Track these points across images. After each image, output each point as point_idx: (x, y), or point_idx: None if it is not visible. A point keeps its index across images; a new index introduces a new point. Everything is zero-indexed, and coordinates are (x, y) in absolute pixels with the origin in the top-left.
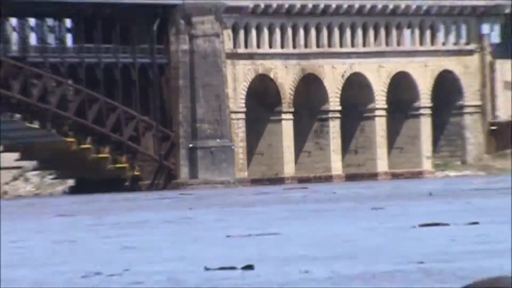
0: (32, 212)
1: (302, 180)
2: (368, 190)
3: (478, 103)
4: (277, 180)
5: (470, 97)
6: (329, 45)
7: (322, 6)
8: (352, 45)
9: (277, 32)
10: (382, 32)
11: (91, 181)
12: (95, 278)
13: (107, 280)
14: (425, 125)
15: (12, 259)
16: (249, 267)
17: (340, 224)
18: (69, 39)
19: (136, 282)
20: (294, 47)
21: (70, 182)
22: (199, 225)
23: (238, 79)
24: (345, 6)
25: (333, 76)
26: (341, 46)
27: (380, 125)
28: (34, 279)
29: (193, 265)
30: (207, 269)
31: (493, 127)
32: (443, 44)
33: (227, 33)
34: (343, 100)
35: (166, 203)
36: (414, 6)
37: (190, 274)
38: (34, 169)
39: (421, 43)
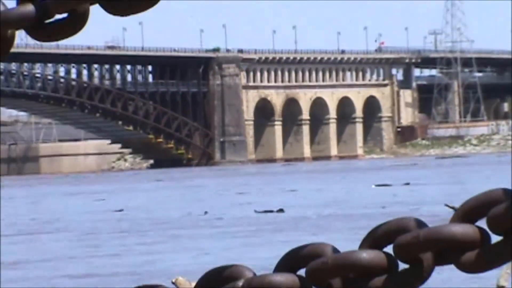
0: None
1: (287, 160)
2: (328, 166)
3: (390, 114)
4: (272, 160)
5: (385, 111)
6: (303, 81)
7: (298, 58)
8: (316, 80)
9: (272, 73)
10: (334, 73)
11: (163, 160)
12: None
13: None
14: (359, 128)
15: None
16: (281, 210)
17: (324, 184)
18: (150, 77)
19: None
20: (282, 82)
21: (151, 161)
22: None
23: (249, 101)
24: (312, 58)
25: (305, 99)
26: (310, 81)
27: (332, 128)
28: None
29: (246, 210)
30: (255, 211)
31: (399, 129)
32: (369, 80)
33: (243, 74)
34: (311, 113)
35: (215, 173)
36: (352, 58)
37: (243, 215)
38: (130, 154)
39: (357, 79)
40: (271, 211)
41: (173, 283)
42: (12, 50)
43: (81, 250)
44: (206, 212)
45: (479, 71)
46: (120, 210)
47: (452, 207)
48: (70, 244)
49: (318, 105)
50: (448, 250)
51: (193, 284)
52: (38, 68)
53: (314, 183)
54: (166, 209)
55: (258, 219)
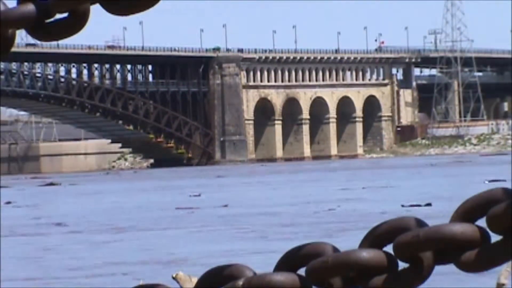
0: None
1: (287, 160)
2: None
3: (390, 114)
4: (272, 160)
5: (385, 111)
6: (303, 80)
7: (298, 57)
8: (316, 80)
9: (272, 73)
10: (334, 72)
11: (163, 160)
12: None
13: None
14: (359, 127)
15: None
16: (429, 204)
17: (429, 178)
18: (150, 76)
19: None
20: (282, 81)
21: (151, 160)
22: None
23: (249, 100)
24: (312, 57)
25: (305, 98)
26: (310, 81)
27: (332, 127)
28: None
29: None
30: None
31: (398, 128)
32: (369, 79)
33: (243, 73)
34: (311, 112)
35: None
36: (352, 57)
37: (390, 209)
38: (130, 153)
39: (357, 79)
40: (419, 205)
41: (173, 278)
42: (13, 49)
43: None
44: (338, 206)
45: (479, 71)
46: (225, 206)
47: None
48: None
49: (318, 105)
50: (448, 249)
51: (194, 279)
52: (38, 68)
53: (415, 178)
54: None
55: (411, 214)
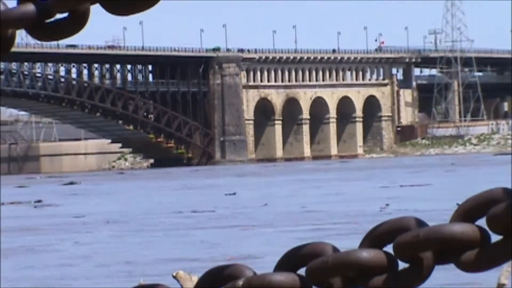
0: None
1: (287, 160)
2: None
3: (390, 114)
4: (272, 160)
5: (385, 110)
6: (303, 80)
7: (298, 57)
8: (316, 80)
9: (272, 73)
10: (334, 72)
11: (163, 160)
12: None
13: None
14: (359, 127)
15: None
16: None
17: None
18: (150, 76)
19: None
20: (282, 81)
21: (151, 160)
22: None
23: (249, 100)
24: (312, 57)
25: (305, 98)
26: (310, 81)
27: (332, 127)
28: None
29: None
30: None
31: (398, 128)
32: (369, 79)
33: (243, 73)
34: (311, 112)
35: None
36: (352, 57)
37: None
38: (130, 153)
39: (357, 79)
40: None
41: (174, 277)
42: (13, 49)
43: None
44: (387, 205)
45: (479, 71)
46: (265, 205)
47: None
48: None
49: (318, 105)
50: (448, 249)
51: (194, 278)
52: (38, 68)
53: (445, 176)
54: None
55: None
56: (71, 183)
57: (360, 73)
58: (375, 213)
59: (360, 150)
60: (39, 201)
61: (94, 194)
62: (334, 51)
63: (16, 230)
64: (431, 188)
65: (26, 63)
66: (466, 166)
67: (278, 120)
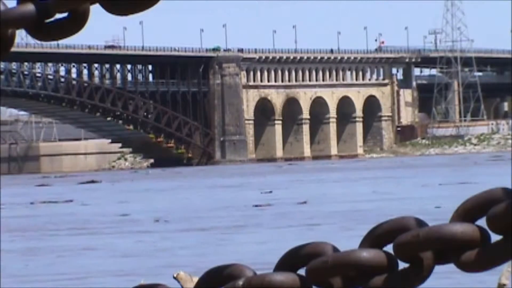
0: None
1: (287, 159)
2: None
3: (390, 114)
4: (272, 159)
5: (385, 110)
6: (303, 80)
7: (298, 57)
8: (316, 80)
9: (272, 73)
10: (334, 72)
11: (163, 160)
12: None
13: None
14: (359, 127)
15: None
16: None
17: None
18: (150, 76)
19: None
20: (282, 81)
21: (151, 160)
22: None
23: (249, 100)
24: (312, 57)
25: (305, 98)
26: (310, 81)
27: (332, 127)
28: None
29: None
30: None
31: (398, 128)
32: (369, 79)
33: (243, 73)
34: (311, 112)
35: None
36: (352, 57)
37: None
38: (130, 153)
39: (357, 79)
40: None
41: (174, 278)
42: (13, 49)
43: None
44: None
45: (479, 71)
46: (304, 202)
47: None
48: None
49: (318, 105)
50: (448, 249)
51: (194, 279)
52: (38, 68)
53: (483, 174)
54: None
55: None
56: (92, 181)
57: (360, 73)
58: (432, 211)
59: (360, 150)
60: (70, 200)
61: (119, 192)
62: (332, 51)
63: (67, 229)
64: (471, 186)
65: (26, 63)
66: (490, 165)
67: (278, 120)
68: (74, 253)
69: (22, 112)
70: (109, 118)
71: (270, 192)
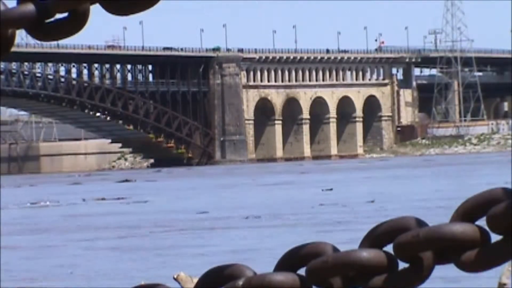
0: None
1: (287, 160)
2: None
3: (390, 114)
4: (272, 159)
5: (385, 110)
6: (303, 80)
7: (298, 57)
8: (316, 80)
9: (272, 73)
10: (334, 72)
11: (163, 160)
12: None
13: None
14: (359, 127)
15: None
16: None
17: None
18: (150, 76)
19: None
20: (282, 81)
21: (151, 160)
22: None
23: (249, 100)
24: (312, 57)
25: (305, 98)
26: (310, 80)
27: (332, 127)
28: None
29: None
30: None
31: (398, 128)
32: (369, 79)
33: (243, 73)
34: (311, 112)
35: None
36: (352, 57)
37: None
38: (130, 153)
39: (357, 79)
40: None
41: (175, 279)
42: (13, 49)
43: None
44: None
45: (479, 71)
46: (371, 201)
47: None
48: None
49: (318, 105)
50: (448, 249)
51: (195, 279)
52: (38, 68)
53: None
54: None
55: None
56: (126, 180)
57: (360, 73)
58: None
59: (360, 150)
60: (103, 198)
61: (166, 190)
62: (328, 51)
63: (150, 227)
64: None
65: (26, 63)
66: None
67: (278, 120)
68: (194, 251)
69: (22, 112)
70: (108, 118)
71: (331, 189)
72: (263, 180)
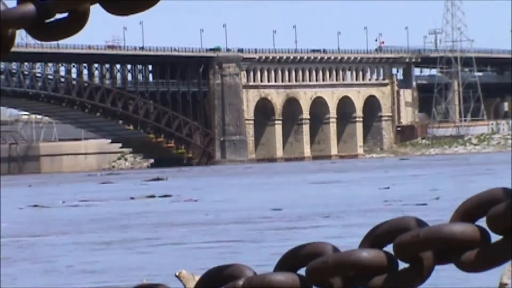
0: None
1: (287, 160)
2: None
3: (390, 114)
4: (272, 160)
5: (385, 110)
6: (303, 80)
7: (298, 57)
8: (316, 80)
9: (272, 73)
10: (334, 72)
11: (163, 160)
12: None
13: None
14: (359, 127)
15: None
16: None
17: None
18: (150, 76)
19: None
20: (282, 81)
21: (151, 160)
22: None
23: (249, 100)
24: (312, 57)
25: (305, 98)
26: (310, 80)
27: (332, 127)
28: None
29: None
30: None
31: (398, 128)
32: (370, 79)
33: (243, 73)
34: (311, 112)
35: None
36: (352, 57)
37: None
38: (130, 153)
39: (357, 79)
40: None
41: (176, 276)
42: (13, 49)
43: None
44: None
45: (479, 71)
46: (436, 198)
47: None
48: None
49: (318, 105)
50: (448, 249)
51: (197, 277)
52: (38, 68)
53: None
54: None
55: None
56: (158, 178)
57: (360, 73)
58: None
59: (360, 150)
60: (169, 195)
61: (202, 188)
62: (324, 51)
63: (242, 222)
64: None
65: (26, 63)
66: None
67: (278, 120)
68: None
69: (22, 112)
70: (108, 118)
71: (388, 188)
72: (312, 178)
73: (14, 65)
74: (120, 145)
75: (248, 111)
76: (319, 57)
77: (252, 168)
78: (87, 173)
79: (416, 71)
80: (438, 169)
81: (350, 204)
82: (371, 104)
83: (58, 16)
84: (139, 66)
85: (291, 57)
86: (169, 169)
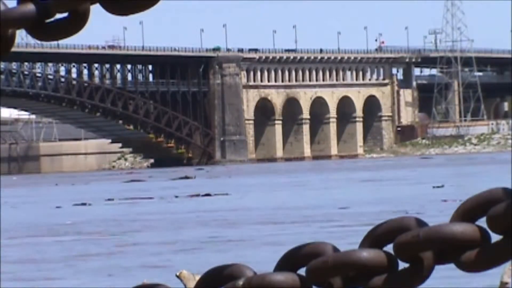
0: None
1: (287, 159)
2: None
3: (390, 114)
4: (272, 160)
5: (385, 110)
6: (303, 80)
7: (298, 57)
8: (316, 80)
9: (272, 73)
10: (334, 72)
11: (163, 160)
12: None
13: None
14: (359, 127)
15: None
16: None
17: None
18: (150, 76)
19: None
20: (282, 81)
21: (151, 160)
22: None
23: (249, 100)
24: (312, 57)
25: (305, 98)
26: (310, 80)
27: (332, 127)
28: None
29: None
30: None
31: (399, 128)
32: (370, 79)
33: (243, 73)
34: (311, 112)
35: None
36: (352, 57)
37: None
38: (130, 153)
39: (357, 79)
40: None
41: (177, 276)
42: (13, 49)
43: None
44: None
45: (479, 71)
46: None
47: None
48: None
49: (318, 105)
50: (448, 249)
51: (197, 277)
52: (38, 68)
53: None
54: None
55: None
56: (186, 177)
57: (360, 73)
58: None
59: (360, 150)
60: (208, 194)
61: (250, 186)
62: (321, 51)
63: (316, 221)
64: None
65: (26, 63)
66: None
67: (278, 120)
68: None
69: (22, 112)
70: (108, 118)
71: (442, 186)
72: (353, 176)
73: (14, 65)
74: (120, 145)
75: (248, 111)
76: (319, 57)
77: (274, 167)
78: (108, 172)
79: (416, 71)
80: (487, 167)
81: (417, 202)
82: (371, 104)
83: (58, 16)
84: (139, 66)
85: (291, 57)
86: (169, 169)
